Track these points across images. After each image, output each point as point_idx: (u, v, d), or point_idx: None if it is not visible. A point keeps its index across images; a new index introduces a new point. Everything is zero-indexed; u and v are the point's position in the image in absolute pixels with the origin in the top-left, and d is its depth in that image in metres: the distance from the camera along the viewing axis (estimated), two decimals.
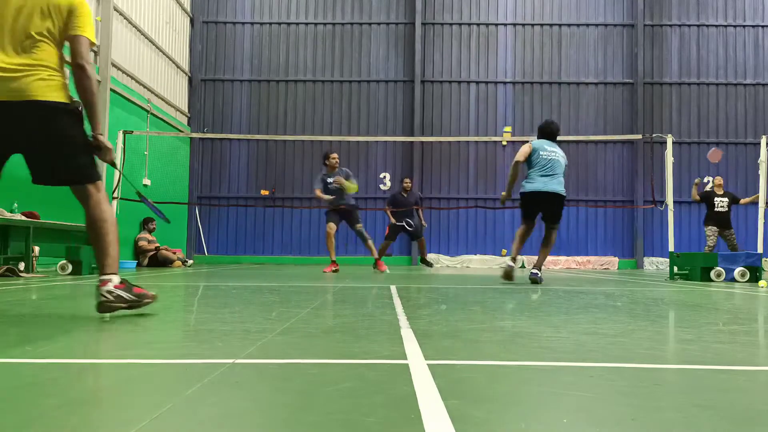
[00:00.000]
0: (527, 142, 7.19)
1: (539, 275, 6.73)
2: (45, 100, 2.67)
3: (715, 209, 11.05)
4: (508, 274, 6.75)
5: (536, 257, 7.25)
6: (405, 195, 11.58)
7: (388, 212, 11.76)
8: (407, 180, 11.80)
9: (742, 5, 17.06)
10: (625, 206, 16.72)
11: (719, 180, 11.44)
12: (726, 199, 11.12)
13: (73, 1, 2.83)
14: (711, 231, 11.07)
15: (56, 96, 2.71)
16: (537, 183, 6.88)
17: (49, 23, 2.75)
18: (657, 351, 2.06)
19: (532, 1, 17.20)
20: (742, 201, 11.40)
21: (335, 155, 9.42)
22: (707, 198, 11.24)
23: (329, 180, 9.34)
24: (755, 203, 10.67)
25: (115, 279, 2.70)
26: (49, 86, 2.71)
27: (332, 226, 9.37)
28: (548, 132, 7.09)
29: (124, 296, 2.69)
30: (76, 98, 2.84)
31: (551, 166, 6.91)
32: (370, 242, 9.75)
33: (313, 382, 1.49)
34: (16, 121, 2.69)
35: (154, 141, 13.52)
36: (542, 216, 7.07)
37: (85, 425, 1.11)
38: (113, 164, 3.07)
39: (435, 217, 16.60)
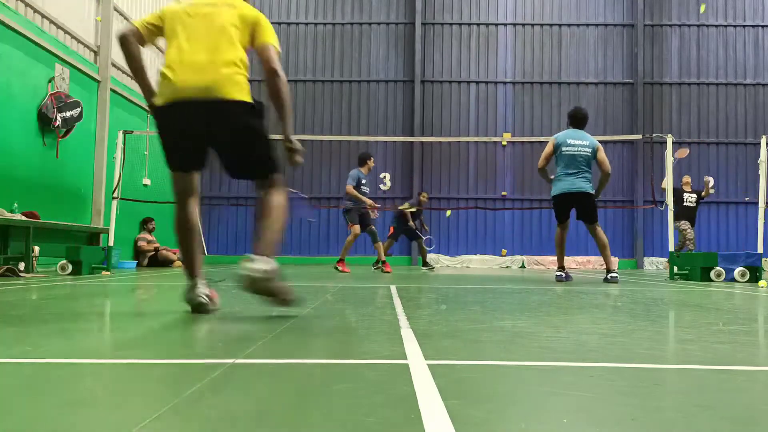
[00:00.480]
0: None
1: (617, 276, 6.78)
2: (239, 100, 2.87)
3: (684, 203, 11.43)
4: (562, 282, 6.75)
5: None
6: (420, 207, 12.20)
7: (408, 215, 11.97)
8: (425, 194, 12.61)
9: (742, 5, 17.06)
10: (625, 206, 16.72)
11: (687, 178, 11.88)
12: (694, 195, 11.61)
13: (258, 14, 3.09)
14: (685, 225, 11.45)
15: (246, 96, 2.91)
16: (564, 183, 6.78)
17: (239, 32, 3.00)
18: (657, 351, 2.06)
19: (532, 1, 17.20)
20: (704, 194, 11.81)
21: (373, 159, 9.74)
22: (677, 194, 11.45)
23: (363, 181, 9.45)
24: (707, 194, 11.29)
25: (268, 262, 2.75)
26: (241, 88, 2.90)
27: (359, 228, 9.51)
28: (578, 118, 6.99)
29: (279, 283, 2.73)
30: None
31: (575, 162, 6.79)
32: (379, 243, 9.86)
33: (313, 382, 1.49)
34: (212, 118, 2.86)
35: (154, 141, 13.49)
36: (577, 216, 6.97)
37: (85, 425, 1.11)
38: (296, 164, 3.19)
39: (435, 217, 16.60)
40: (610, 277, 6.72)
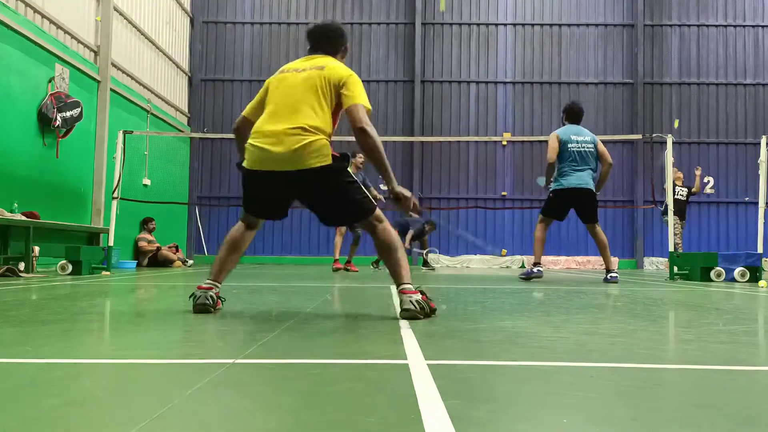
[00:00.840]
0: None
1: (617, 276, 6.74)
2: (316, 167, 2.98)
3: (675, 196, 11.48)
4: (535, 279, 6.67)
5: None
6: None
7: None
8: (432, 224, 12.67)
9: (742, 5, 17.06)
10: (625, 206, 16.72)
11: (679, 173, 12.10)
12: (686, 189, 11.71)
13: (344, 74, 3.15)
14: (676, 219, 11.51)
15: (325, 160, 2.99)
16: (572, 178, 6.64)
17: (323, 96, 3.10)
18: (657, 351, 2.06)
19: (532, 1, 17.20)
20: (694, 189, 11.96)
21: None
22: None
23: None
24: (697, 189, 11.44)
25: (414, 291, 2.91)
26: (318, 153, 2.98)
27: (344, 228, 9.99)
28: (575, 113, 6.91)
29: (424, 307, 2.86)
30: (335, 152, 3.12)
31: (583, 158, 6.70)
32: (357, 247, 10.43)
33: (313, 382, 1.49)
34: (293, 186, 3.06)
35: (154, 141, 13.52)
36: (578, 215, 6.87)
37: (85, 425, 1.11)
38: (416, 211, 3.24)
39: (435, 217, 16.60)
40: (610, 277, 6.67)
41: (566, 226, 16.72)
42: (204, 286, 3.04)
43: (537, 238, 6.90)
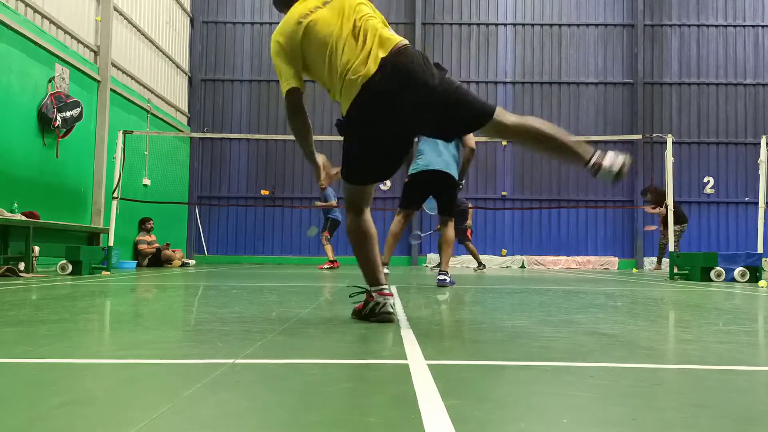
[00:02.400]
0: None
1: (448, 279, 5.67)
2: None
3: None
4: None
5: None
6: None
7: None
8: None
9: (742, 5, 17.06)
10: (625, 206, 16.72)
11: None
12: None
13: None
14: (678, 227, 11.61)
15: None
16: (425, 159, 5.74)
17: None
18: (657, 351, 2.06)
19: (532, 1, 17.20)
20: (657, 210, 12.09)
21: None
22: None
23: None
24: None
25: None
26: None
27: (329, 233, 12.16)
28: None
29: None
30: None
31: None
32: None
33: (313, 382, 1.49)
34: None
35: (154, 141, 13.52)
36: (437, 206, 6.01)
37: (85, 425, 1.11)
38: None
39: (435, 218, 16.59)
40: (440, 279, 5.67)
41: (566, 227, 16.73)
42: (386, 291, 2.75)
43: (390, 232, 6.06)
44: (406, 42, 2.71)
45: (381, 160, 2.78)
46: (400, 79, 2.57)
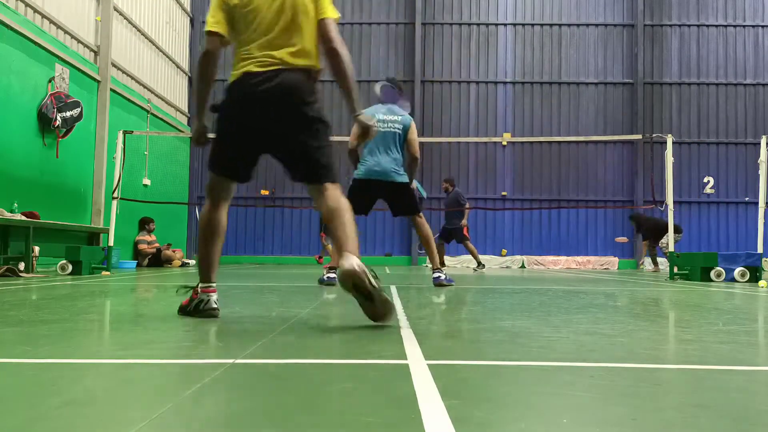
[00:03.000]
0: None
1: (443, 277, 5.55)
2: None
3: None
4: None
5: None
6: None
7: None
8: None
9: (742, 5, 17.06)
10: (625, 206, 16.72)
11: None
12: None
13: None
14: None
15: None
16: (368, 164, 5.61)
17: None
18: (657, 351, 2.06)
19: (532, 1, 17.20)
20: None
21: None
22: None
23: None
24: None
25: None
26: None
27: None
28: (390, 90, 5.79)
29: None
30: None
31: (384, 141, 5.60)
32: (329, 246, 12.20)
33: (313, 382, 1.49)
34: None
35: (154, 141, 13.52)
36: (393, 211, 5.85)
37: (85, 425, 1.11)
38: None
39: (435, 218, 16.60)
40: (435, 277, 5.56)
41: (566, 227, 16.73)
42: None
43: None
44: (320, 69, 2.85)
45: (235, 158, 2.91)
46: (282, 92, 2.74)
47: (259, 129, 2.83)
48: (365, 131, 2.94)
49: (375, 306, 2.48)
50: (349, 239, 2.66)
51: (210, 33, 2.85)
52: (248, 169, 2.98)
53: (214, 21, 2.83)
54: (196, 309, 2.79)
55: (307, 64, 2.79)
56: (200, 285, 2.84)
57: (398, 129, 5.63)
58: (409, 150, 5.72)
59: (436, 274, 5.56)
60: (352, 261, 2.45)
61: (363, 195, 5.58)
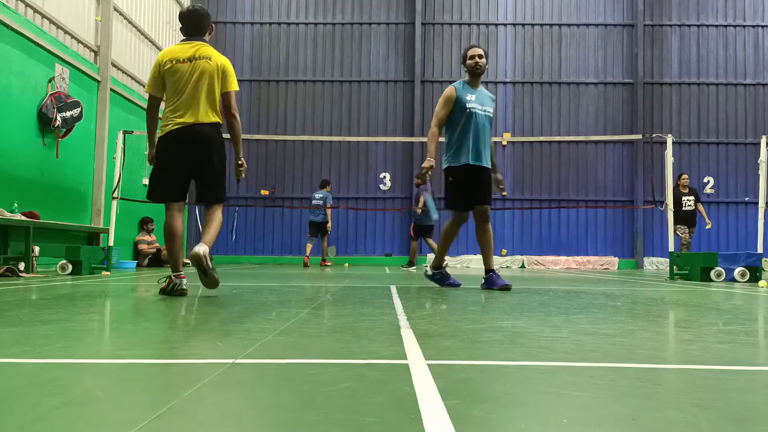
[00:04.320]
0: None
1: (429, 272, 5.48)
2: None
3: (683, 208, 11.22)
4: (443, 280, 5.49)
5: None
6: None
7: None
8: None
9: (742, 5, 17.06)
10: (625, 206, 16.72)
11: (685, 180, 11.54)
12: (692, 197, 11.37)
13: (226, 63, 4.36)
14: (681, 230, 11.25)
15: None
16: (471, 154, 5.29)
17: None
18: (657, 351, 2.06)
19: (532, 1, 17.20)
20: (700, 207, 11.60)
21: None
22: (675, 197, 11.34)
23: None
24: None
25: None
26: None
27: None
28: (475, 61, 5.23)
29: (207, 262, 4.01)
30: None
31: (484, 128, 5.30)
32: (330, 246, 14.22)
33: (313, 382, 1.49)
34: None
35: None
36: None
37: (85, 425, 1.11)
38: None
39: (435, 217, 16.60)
40: (450, 280, 5.64)
41: (566, 227, 16.73)
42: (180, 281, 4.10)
43: (445, 237, 5.71)
44: (220, 122, 4.25)
45: (172, 183, 4.21)
46: (196, 139, 4.14)
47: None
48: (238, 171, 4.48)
49: (207, 279, 3.95)
50: (206, 235, 4.13)
51: (150, 94, 4.30)
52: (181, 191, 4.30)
53: (149, 86, 4.29)
54: (171, 290, 4.03)
55: (212, 120, 4.21)
56: (173, 273, 4.09)
57: (491, 113, 5.48)
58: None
59: (430, 272, 5.61)
60: (202, 247, 3.93)
61: (475, 185, 5.28)
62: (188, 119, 4.09)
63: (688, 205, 11.30)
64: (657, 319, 3.06)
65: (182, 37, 4.37)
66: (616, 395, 1.39)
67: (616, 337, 2.32)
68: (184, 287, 4.03)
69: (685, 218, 11.25)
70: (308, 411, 1.22)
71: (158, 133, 4.28)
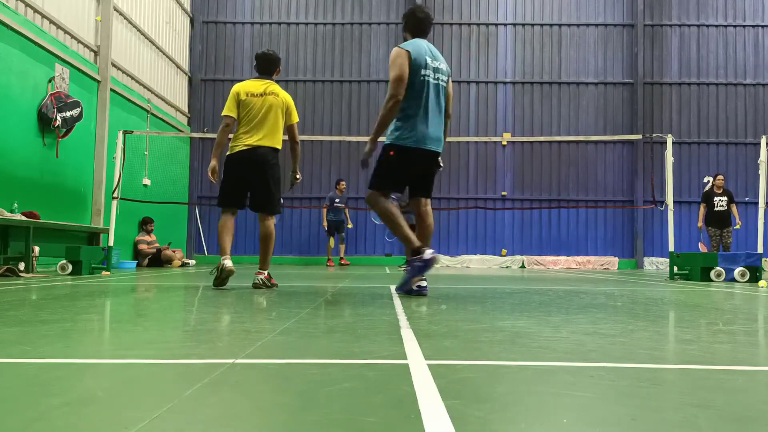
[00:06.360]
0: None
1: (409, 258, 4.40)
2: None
3: (715, 209, 11.15)
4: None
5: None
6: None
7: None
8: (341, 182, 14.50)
9: (742, 5, 17.06)
10: (625, 206, 16.72)
11: (720, 181, 11.43)
12: (725, 198, 11.23)
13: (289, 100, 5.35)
14: (712, 231, 11.17)
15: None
16: (421, 131, 4.36)
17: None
18: (657, 351, 2.06)
19: (532, 1, 17.20)
20: (733, 208, 11.47)
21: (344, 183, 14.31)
22: (707, 198, 11.31)
23: (337, 200, 14.07)
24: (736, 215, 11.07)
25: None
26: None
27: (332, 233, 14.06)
28: (425, 23, 4.61)
29: (267, 283, 5.06)
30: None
31: (438, 98, 4.44)
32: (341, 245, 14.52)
33: (313, 382, 1.49)
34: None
35: (154, 141, 13.51)
36: (411, 188, 4.61)
37: (85, 425, 1.11)
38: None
39: (435, 217, 16.59)
40: (413, 261, 4.35)
41: (566, 227, 16.73)
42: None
43: (394, 222, 4.42)
44: (279, 148, 5.23)
45: (235, 193, 5.19)
46: (258, 157, 5.10)
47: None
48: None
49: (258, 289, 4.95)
50: (263, 262, 5.26)
51: (225, 116, 5.22)
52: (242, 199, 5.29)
53: (227, 109, 5.21)
54: (219, 271, 4.93)
55: (273, 144, 5.19)
56: (222, 258, 4.98)
57: (445, 80, 4.52)
58: (448, 104, 4.59)
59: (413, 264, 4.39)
60: (260, 276, 5.14)
61: (413, 168, 4.44)
62: (255, 142, 5.06)
63: (720, 206, 11.17)
64: (657, 319, 3.06)
65: (255, 74, 5.31)
66: (616, 395, 1.39)
67: (616, 337, 2.32)
68: (229, 265, 4.92)
69: (716, 219, 11.14)
70: (308, 411, 1.21)
71: (227, 152, 5.19)
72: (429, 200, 4.62)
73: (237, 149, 5.10)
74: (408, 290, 4.36)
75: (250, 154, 5.06)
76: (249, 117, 5.12)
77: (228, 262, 4.91)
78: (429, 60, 4.38)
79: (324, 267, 12.53)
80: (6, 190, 8.33)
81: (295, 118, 5.31)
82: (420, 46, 4.42)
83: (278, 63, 5.34)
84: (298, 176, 5.53)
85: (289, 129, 5.29)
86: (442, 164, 4.66)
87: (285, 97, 5.25)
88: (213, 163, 5.27)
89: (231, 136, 5.27)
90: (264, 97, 5.14)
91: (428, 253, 4.19)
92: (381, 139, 4.53)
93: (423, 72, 4.33)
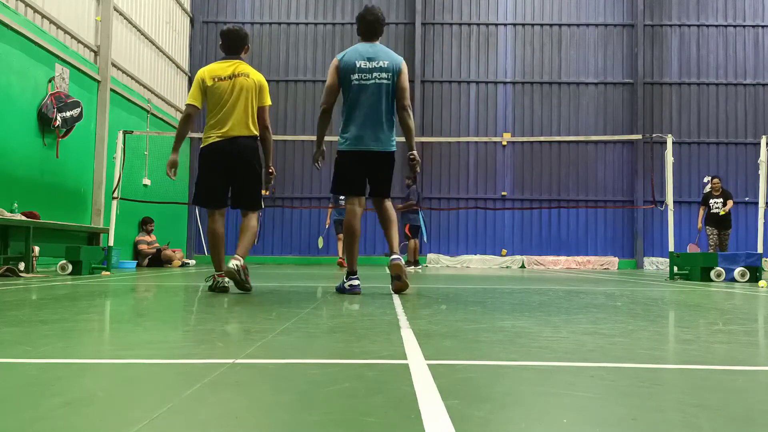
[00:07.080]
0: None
1: (398, 258, 4.52)
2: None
3: (711, 211, 11.31)
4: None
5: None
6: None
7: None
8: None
9: (742, 5, 17.06)
10: (625, 206, 16.72)
11: (716, 184, 11.51)
12: (721, 200, 11.34)
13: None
14: (710, 231, 11.30)
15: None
16: (354, 134, 4.47)
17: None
18: (657, 351, 2.06)
19: (532, 1, 17.20)
20: (729, 203, 11.54)
21: None
22: (705, 200, 11.48)
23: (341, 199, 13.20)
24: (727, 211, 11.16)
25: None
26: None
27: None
28: (373, 25, 4.59)
29: (242, 274, 4.38)
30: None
31: (379, 95, 4.43)
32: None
33: (313, 382, 1.49)
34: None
35: (154, 141, 13.51)
36: (371, 191, 4.71)
37: (85, 425, 1.11)
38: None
39: (435, 217, 16.60)
40: (393, 259, 4.52)
41: (566, 227, 16.73)
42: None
43: (349, 235, 4.68)
44: (257, 135, 4.68)
45: (214, 190, 4.62)
46: (237, 150, 4.56)
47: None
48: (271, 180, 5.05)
49: (241, 288, 4.44)
50: (241, 247, 4.56)
51: (188, 105, 4.66)
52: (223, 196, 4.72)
53: (191, 97, 4.63)
54: (215, 286, 4.51)
55: (251, 133, 4.65)
56: (216, 272, 4.60)
57: (387, 78, 4.48)
58: (400, 104, 4.58)
59: (394, 257, 4.56)
60: (236, 261, 4.36)
61: (360, 170, 4.54)
62: (229, 132, 4.52)
63: (716, 208, 11.32)
64: (657, 319, 3.06)
65: (222, 55, 4.74)
66: (616, 395, 1.39)
67: (615, 337, 2.32)
68: (226, 284, 4.50)
69: (714, 221, 11.34)
70: (308, 411, 1.21)
71: (201, 144, 4.72)
72: (387, 199, 4.72)
73: (210, 140, 4.53)
74: (341, 289, 4.62)
75: (226, 145, 4.50)
76: (218, 104, 4.53)
77: (226, 280, 4.48)
78: (363, 63, 4.47)
79: (334, 266, 12.53)
80: (6, 190, 8.33)
81: (267, 101, 4.67)
82: (355, 51, 4.55)
83: (246, 39, 4.74)
84: (272, 172, 4.89)
85: (259, 111, 4.62)
86: (415, 157, 4.75)
87: (257, 77, 4.66)
88: (172, 157, 4.70)
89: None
90: (233, 79, 4.55)
91: (355, 282, 4.54)
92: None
93: (354, 77, 4.46)
